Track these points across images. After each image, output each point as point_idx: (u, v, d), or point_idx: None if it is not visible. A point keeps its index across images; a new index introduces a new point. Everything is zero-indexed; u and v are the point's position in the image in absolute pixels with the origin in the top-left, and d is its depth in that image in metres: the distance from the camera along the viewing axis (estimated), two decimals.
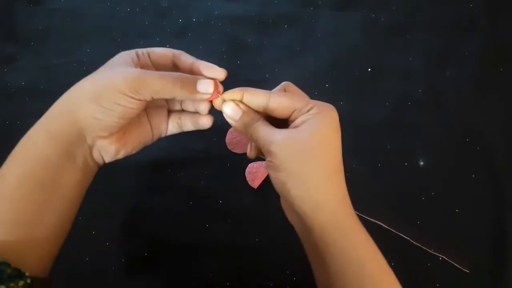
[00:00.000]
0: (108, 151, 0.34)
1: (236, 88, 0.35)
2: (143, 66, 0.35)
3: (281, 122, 0.35)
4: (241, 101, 0.34)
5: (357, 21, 0.58)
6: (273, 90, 0.36)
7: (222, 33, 0.57)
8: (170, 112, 0.39)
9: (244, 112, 0.34)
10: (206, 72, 0.35)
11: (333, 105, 0.52)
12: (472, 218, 0.52)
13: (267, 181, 0.53)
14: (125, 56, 0.34)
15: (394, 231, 0.50)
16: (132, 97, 0.31)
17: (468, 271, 0.49)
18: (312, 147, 0.31)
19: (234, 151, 0.54)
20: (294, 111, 0.33)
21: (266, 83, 0.54)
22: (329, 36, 0.57)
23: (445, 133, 0.55)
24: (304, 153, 0.31)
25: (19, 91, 0.55)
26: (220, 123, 0.54)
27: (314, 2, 0.59)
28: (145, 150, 0.53)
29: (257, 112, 0.35)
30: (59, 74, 0.54)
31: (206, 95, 0.34)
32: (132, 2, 0.58)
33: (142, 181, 0.53)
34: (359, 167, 0.53)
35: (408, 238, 0.50)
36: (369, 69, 0.57)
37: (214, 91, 0.34)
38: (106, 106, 0.31)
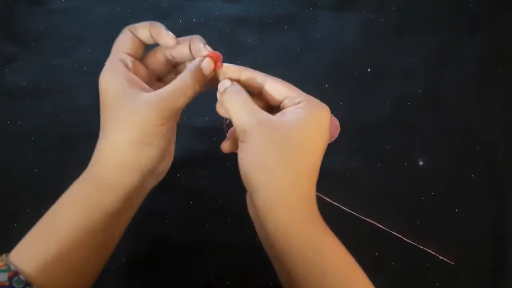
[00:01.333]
0: (163, 172, 0.36)
1: (236, 65, 0.35)
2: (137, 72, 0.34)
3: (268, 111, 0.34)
4: (238, 80, 0.34)
5: (357, 21, 0.58)
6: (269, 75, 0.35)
7: (222, 33, 0.57)
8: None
9: (233, 84, 0.34)
10: (164, 40, 0.35)
11: (333, 105, 0.52)
12: (472, 218, 0.52)
13: None
14: (117, 76, 0.32)
15: (381, 226, 0.50)
16: (164, 124, 0.31)
17: (453, 263, 0.49)
18: (292, 140, 0.29)
19: (234, 151, 0.54)
20: (285, 98, 0.33)
21: None
22: (329, 36, 0.57)
23: (445, 133, 0.55)
24: (282, 144, 0.29)
25: (19, 91, 0.56)
26: (220, 123, 0.54)
27: (314, 2, 0.59)
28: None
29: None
30: (60, 74, 0.54)
31: (211, 65, 0.34)
32: (132, 2, 0.58)
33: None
34: (359, 167, 0.53)
35: (392, 232, 0.50)
36: (369, 69, 0.57)
37: (219, 60, 0.35)
38: (151, 143, 0.31)
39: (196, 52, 0.35)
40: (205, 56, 0.34)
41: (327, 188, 0.53)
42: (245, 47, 0.56)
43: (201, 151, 0.54)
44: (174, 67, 0.38)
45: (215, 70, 0.35)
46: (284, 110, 0.32)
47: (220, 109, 0.35)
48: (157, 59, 0.36)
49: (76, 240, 0.29)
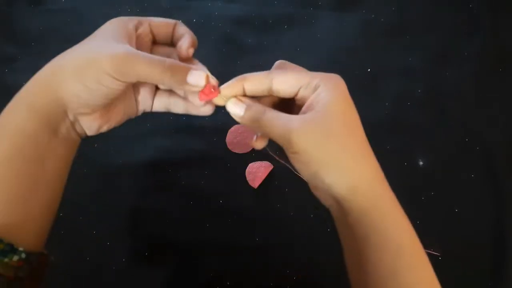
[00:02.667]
0: (91, 126, 0.33)
1: (234, 79, 0.32)
2: (139, 36, 0.33)
3: (286, 105, 0.33)
4: (244, 95, 0.32)
5: (357, 21, 0.58)
6: (271, 70, 0.33)
7: (222, 33, 0.57)
8: (158, 88, 0.36)
9: (248, 106, 0.31)
10: (179, 51, 0.34)
11: None
12: (472, 218, 0.52)
13: (267, 181, 0.53)
14: (120, 26, 0.32)
15: None
16: (117, 79, 0.29)
17: (439, 255, 0.49)
18: (335, 129, 0.29)
19: (234, 151, 0.54)
20: (300, 88, 0.31)
21: None
22: (329, 36, 0.57)
23: (445, 133, 0.55)
24: (328, 137, 0.29)
25: None
26: (220, 123, 0.54)
27: (314, 2, 0.59)
28: (145, 150, 0.53)
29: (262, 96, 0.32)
30: None
31: (197, 88, 0.31)
32: (132, 2, 0.58)
33: (142, 181, 0.53)
34: None
35: None
36: (369, 69, 0.57)
37: (211, 88, 0.31)
38: (89, 85, 0.29)
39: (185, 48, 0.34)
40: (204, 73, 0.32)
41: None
42: (245, 47, 0.56)
43: (201, 151, 0.54)
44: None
45: (210, 99, 0.32)
46: (307, 103, 0.31)
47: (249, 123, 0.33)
48: (167, 31, 0.35)
49: (10, 171, 0.29)
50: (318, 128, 0.29)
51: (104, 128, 0.34)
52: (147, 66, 0.29)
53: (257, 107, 0.31)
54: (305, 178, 0.32)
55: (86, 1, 0.58)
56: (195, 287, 0.51)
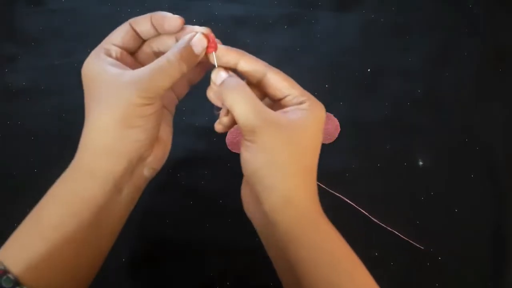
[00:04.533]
0: (155, 160, 0.33)
1: (234, 49, 0.32)
2: (126, 44, 0.32)
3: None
4: (234, 67, 0.32)
5: (357, 21, 0.58)
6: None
7: (222, 33, 0.57)
8: None
9: (232, 76, 0.31)
10: (167, 24, 0.32)
11: (333, 105, 0.53)
12: (472, 218, 0.52)
13: None
14: (96, 60, 0.31)
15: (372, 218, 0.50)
16: (147, 104, 0.29)
17: (422, 248, 0.49)
18: (300, 141, 0.30)
19: (234, 151, 0.54)
20: (287, 96, 0.32)
21: None
22: (329, 37, 0.57)
23: (444, 133, 0.55)
24: (290, 144, 0.29)
25: (19, 92, 0.56)
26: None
27: (314, 2, 0.59)
28: None
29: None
30: (60, 74, 0.54)
31: (203, 48, 0.31)
32: (132, 2, 0.58)
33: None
34: (358, 167, 0.53)
35: (388, 227, 0.50)
36: (369, 69, 0.57)
37: (213, 40, 0.31)
38: (135, 125, 0.29)
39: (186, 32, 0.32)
40: (196, 32, 0.30)
41: (327, 187, 0.53)
42: (245, 47, 0.56)
43: (201, 151, 0.54)
44: None
45: (208, 53, 0.31)
46: (287, 109, 0.32)
47: (211, 95, 0.33)
48: (144, 53, 0.34)
49: (63, 236, 0.28)
50: (285, 130, 0.29)
51: (166, 151, 0.35)
52: (165, 75, 0.29)
53: (240, 81, 0.31)
54: (244, 173, 0.32)
55: (86, 1, 0.58)
56: (195, 287, 0.51)
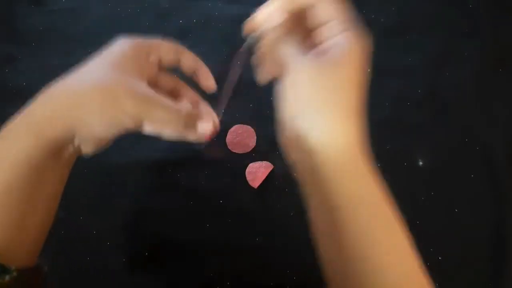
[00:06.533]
0: (90, 149, 0.33)
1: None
2: (150, 67, 0.34)
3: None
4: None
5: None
6: None
7: (222, 33, 0.57)
8: None
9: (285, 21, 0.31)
10: (203, 78, 0.36)
11: None
12: (472, 218, 0.52)
13: (267, 181, 0.53)
14: (133, 57, 0.33)
15: None
16: (135, 121, 0.30)
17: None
18: (337, 79, 0.29)
19: (234, 151, 0.54)
20: (329, 22, 0.31)
21: (267, 84, 0.54)
22: None
23: (445, 133, 0.55)
24: (327, 85, 0.29)
25: (19, 92, 0.56)
26: (221, 123, 0.54)
27: None
28: (145, 150, 0.53)
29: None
30: (60, 74, 0.54)
31: (203, 135, 0.33)
32: (132, 2, 0.58)
33: (142, 181, 0.53)
34: None
35: None
36: (369, 69, 0.56)
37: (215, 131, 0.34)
38: (111, 123, 0.30)
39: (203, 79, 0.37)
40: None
41: None
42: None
43: (201, 151, 0.54)
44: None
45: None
46: (324, 45, 0.30)
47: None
48: (172, 57, 0.36)
49: (8, 195, 0.30)
50: (323, 73, 0.29)
51: (100, 149, 0.34)
52: (166, 114, 0.30)
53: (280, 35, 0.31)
54: (284, 120, 0.31)
55: (86, 1, 0.58)
56: (195, 287, 0.51)
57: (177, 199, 0.52)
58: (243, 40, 0.57)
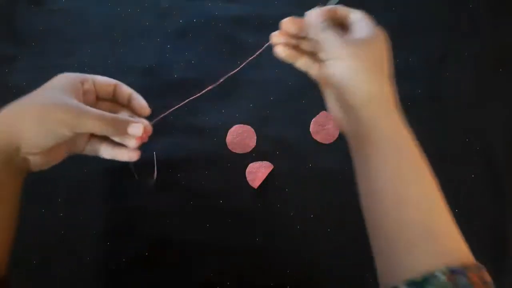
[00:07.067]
0: (36, 163, 0.37)
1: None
2: (85, 92, 0.39)
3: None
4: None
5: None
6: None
7: (222, 33, 0.57)
8: (92, 135, 0.42)
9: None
10: (137, 111, 0.42)
11: None
12: (472, 218, 0.52)
13: (267, 181, 0.53)
14: (68, 83, 0.38)
15: None
16: (68, 129, 0.35)
17: None
18: (372, 53, 0.37)
19: (234, 151, 0.54)
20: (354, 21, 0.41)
21: (267, 84, 0.54)
22: None
23: (445, 133, 0.55)
24: (366, 56, 0.37)
25: (19, 92, 0.55)
26: (220, 123, 0.54)
27: (314, 2, 0.59)
28: (145, 150, 0.53)
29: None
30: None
31: (135, 137, 0.39)
32: (132, 2, 0.58)
33: (142, 181, 0.53)
34: None
35: None
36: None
37: (147, 135, 0.40)
38: (44, 131, 0.35)
39: (137, 108, 0.43)
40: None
41: (327, 187, 0.53)
42: (245, 47, 0.56)
43: (201, 151, 0.54)
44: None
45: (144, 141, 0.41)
46: (356, 32, 0.39)
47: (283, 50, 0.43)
48: (108, 89, 0.42)
49: None
50: (359, 48, 0.37)
51: (46, 165, 0.39)
52: (95, 121, 0.36)
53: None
54: (332, 83, 0.38)
55: (86, 1, 0.58)
56: (195, 287, 0.51)
57: (177, 199, 0.52)
58: (244, 39, 0.57)
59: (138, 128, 0.39)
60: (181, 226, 0.52)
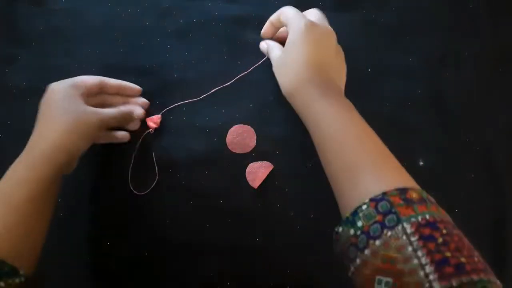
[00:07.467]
0: (73, 167, 0.47)
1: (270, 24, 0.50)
2: (83, 96, 0.47)
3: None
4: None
5: (357, 21, 0.58)
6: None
7: (222, 33, 0.57)
8: None
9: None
10: (131, 92, 0.52)
11: None
12: (472, 218, 0.52)
13: (267, 181, 0.53)
14: (73, 94, 0.45)
15: None
16: (100, 130, 0.47)
17: None
18: (296, 50, 0.45)
19: (234, 151, 0.54)
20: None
21: (267, 84, 0.54)
22: None
23: (445, 133, 0.55)
24: (293, 51, 0.45)
25: (20, 92, 0.56)
26: (220, 123, 0.54)
27: (314, 2, 0.59)
28: (145, 150, 0.53)
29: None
30: (60, 74, 0.54)
31: (139, 118, 0.52)
32: (133, 2, 0.58)
33: (142, 181, 0.53)
34: None
35: None
36: (369, 69, 0.57)
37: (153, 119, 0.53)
38: (90, 139, 0.46)
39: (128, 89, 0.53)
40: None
41: (327, 187, 0.53)
42: (245, 47, 0.56)
43: (201, 151, 0.54)
44: None
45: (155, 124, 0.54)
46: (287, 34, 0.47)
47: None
48: (96, 88, 0.49)
49: (19, 209, 0.39)
50: (286, 49, 0.47)
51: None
52: (113, 118, 0.47)
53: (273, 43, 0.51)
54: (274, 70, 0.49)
55: (86, 1, 0.58)
56: (195, 287, 0.51)
57: (177, 199, 0.52)
58: (244, 39, 0.58)
59: (140, 110, 0.52)
60: (181, 226, 0.52)
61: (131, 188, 0.52)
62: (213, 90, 0.54)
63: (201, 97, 0.54)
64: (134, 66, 0.56)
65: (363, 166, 0.38)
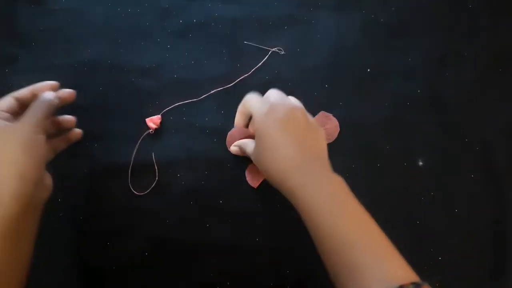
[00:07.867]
0: (44, 190, 0.44)
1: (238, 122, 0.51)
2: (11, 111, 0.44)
3: None
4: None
5: (357, 21, 0.58)
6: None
7: (222, 34, 0.57)
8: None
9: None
10: (44, 88, 0.47)
11: (333, 105, 0.53)
12: (472, 218, 0.52)
13: (267, 181, 0.53)
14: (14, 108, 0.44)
15: None
16: (37, 133, 0.41)
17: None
18: (264, 138, 0.44)
19: None
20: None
21: (267, 85, 0.54)
22: (328, 37, 0.57)
23: (444, 133, 0.55)
24: (263, 141, 0.44)
25: None
26: (220, 124, 0.54)
27: (314, 2, 0.59)
28: (145, 150, 0.53)
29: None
30: (60, 75, 0.54)
31: (50, 99, 0.44)
32: (133, 2, 0.58)
33: (142, 181, 0.53)
34: (359, 167, 0.53)
35: None
36: (369, 69, 0.57)
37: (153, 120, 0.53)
38: (42, 166, 0.41)
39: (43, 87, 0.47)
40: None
41: None
42: (245, 47, 0.56)
43: (201, 151, 0.54)
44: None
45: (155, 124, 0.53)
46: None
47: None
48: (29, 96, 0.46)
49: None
50: (256, 141, 0.46)
51: (49, 185, 0.45)
52: (35, 119, 0.41)
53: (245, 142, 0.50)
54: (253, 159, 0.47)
55: (86, 1, 0.58)
56: (195, 287, 0.51)
57: (177, 199, 0.53)
58: (243, 40, 0.58)
59: (50, 93, 0.45)
60: (181, 226, 0.52)
61: (131, 188, 0.52)
62: (213, 91, 0.54)
63: (201, 97, 0.54)
64: (134, 66, 0.56)
65: (364, 264, 0.37)
